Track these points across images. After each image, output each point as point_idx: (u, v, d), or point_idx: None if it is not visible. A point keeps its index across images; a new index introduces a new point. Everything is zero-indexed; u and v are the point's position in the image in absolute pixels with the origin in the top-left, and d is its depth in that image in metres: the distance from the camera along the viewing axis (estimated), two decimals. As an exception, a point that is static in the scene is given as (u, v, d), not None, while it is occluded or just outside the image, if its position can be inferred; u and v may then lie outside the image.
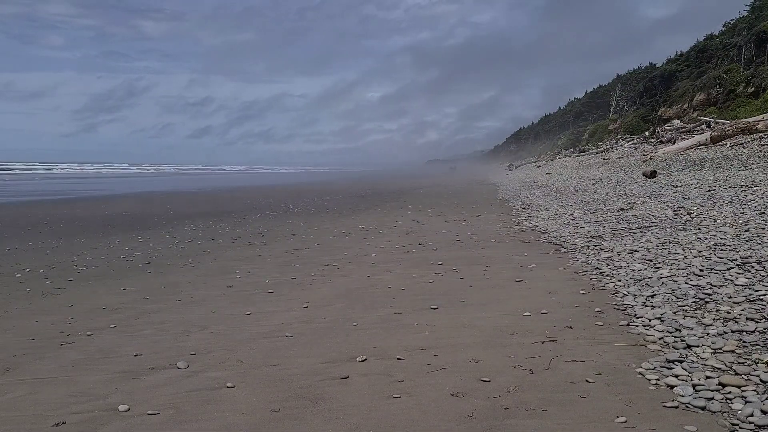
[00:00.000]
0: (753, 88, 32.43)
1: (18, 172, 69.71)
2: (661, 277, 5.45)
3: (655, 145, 29.78)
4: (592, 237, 8.22)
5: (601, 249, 7.27)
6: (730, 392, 3.15)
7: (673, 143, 25.63)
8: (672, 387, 3.29)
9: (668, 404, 3.09)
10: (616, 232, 8.26)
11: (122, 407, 3.38)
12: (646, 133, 38.80)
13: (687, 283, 5.12)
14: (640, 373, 3.51)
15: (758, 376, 3.28)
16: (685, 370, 3.47)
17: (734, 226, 7.10)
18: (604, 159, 30.05)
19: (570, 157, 45.59)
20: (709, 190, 10.74)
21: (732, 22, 48.62)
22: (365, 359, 4.05)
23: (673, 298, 4.83)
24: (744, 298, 4.51)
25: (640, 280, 5.51)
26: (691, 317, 4.33)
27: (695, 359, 3.62)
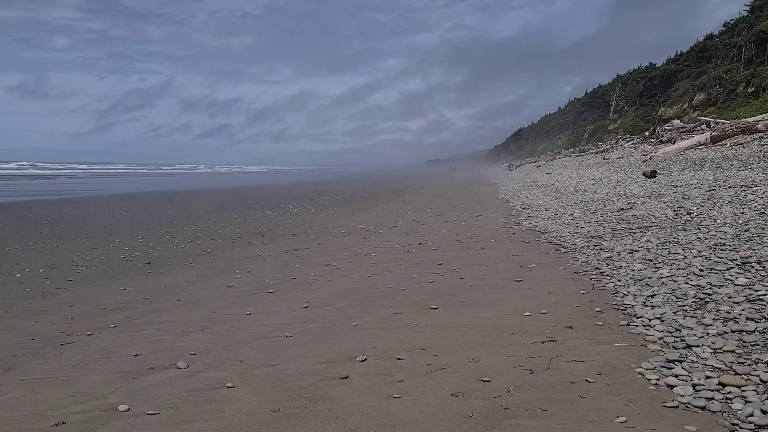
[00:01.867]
0: (753, 88, 32.42)
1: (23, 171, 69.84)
2: (661, 277, 5.45)
3: (655, 145, 29.78)
4: (592, 237, 8.22)
5: (601, 249, 7.27)
6: (730, 392, 3.15)
7: (673, 143, 25.63)
8: (672, 387, 3.29)
9: (668, 404, 3.09)
10: (616, 232, 8.26)
11: (122, 407, 3.38)
12: (646, 133, 38.79)
13: (687, 283, 5.12)
14: (640, 373, 3.51)
15: (758, 376, 3.28)
16: (685, 370, 3.47)
17: (734, 226, 7.10)
18: (604, 159, 30.05)
19: (570, 157, 45.60)
20: (709, 190, 10.74)
21: (732, 22, 48.60)
22: (365, 359, 4.05)
23: (673, 298, 4.83)
24: (744, 298, 4.51)
25: (640, 280, 5.51)
26: (691, 317, 4.33)
27: (695, 359, 3.62)
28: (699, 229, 7.34)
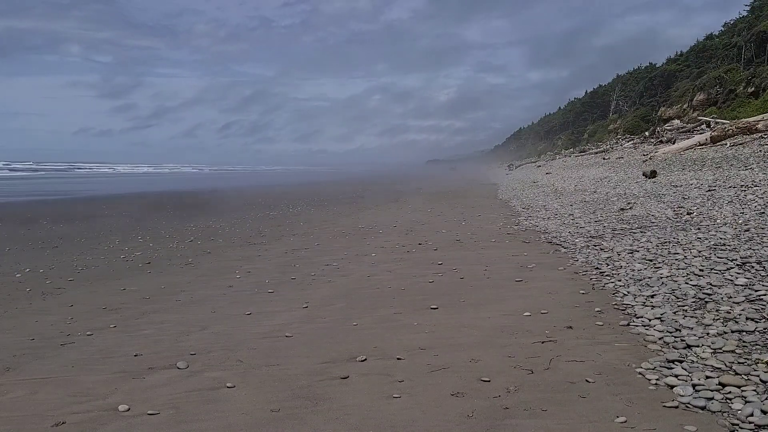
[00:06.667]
0: (753, 88, 32.42)
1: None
2: (661, 277, 5.45)
3: (655, 145, 29.78)
4: (592, 237, 8.22)
5: (601, 249, 7.27)
6: (730, 392, 3.15)
7: (673, 143, 25.62)
8: (672, 387, 3.29)
9: (668, 404, 3.09)
10: (616, 232, 8.26)
11: (122, 407, 3.39)
12: (646, 133, 38.78)
13: (687, 283, 5.12)
14: (640, 373, 3.51)
15: (758, 376, 3.28)
16: (685, 370, 3.47)
17: (734, 226, 7.10)
18: (604, 159, 30.05)
19: (570, 156, 45.58)
20: (709, 190, 10.74)
21: (732, 22, 48.62)
22: (365, 359, 4.05)
23: (673, 298, 4.83)
24: (744, 298, 4.51)
25: (640, 280, 5.51)
26: (691, 317, 4.33)
27: (695, 359, 3.62)
28: (699, 229, 7.34)
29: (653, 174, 15.55)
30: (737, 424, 2.84)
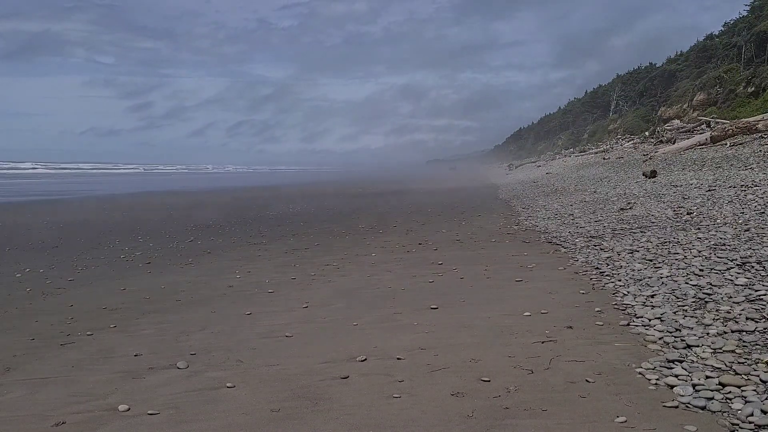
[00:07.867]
0: (753, 88, 32.42)
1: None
2: (661, 277, 5.45)
3: (655, 144, 29.77)
4: (592, 237, 8.22)
5: (601, 249, 7.27)
6: (730, 392, 3.15)
7: (673, 143, 25.61)
8: (672, 387, 3.29)
9: (668, 404, 3.09)
10: (616, 231, 8.26)
11: (122, 407, 3.38)
12: (646, 133, 38.77)
13: (687, 283, 5.12)
14: (640, 373, 3.51)
15: (758, 375, 3.28)
16: (685, 369, 3.47)
17: (734, 226, 7.10)
18: (604, 159, 30.03)
19: (570, 156, 45.58)
20: (709, 190, 10.73)
21: (732, 22, 48.62)
22: (365, 359, 4.05)
23: (673, 297, 4.83)
24: (744, 297, 4.51)
25: (640, 280, 5.51)
26: (691, 317, 4.33)
27: (695, 359, 3.62)
28: (699, 229, 7.34)
29: (653, 174, 15.54)
30: (737, 424, 2.84)
